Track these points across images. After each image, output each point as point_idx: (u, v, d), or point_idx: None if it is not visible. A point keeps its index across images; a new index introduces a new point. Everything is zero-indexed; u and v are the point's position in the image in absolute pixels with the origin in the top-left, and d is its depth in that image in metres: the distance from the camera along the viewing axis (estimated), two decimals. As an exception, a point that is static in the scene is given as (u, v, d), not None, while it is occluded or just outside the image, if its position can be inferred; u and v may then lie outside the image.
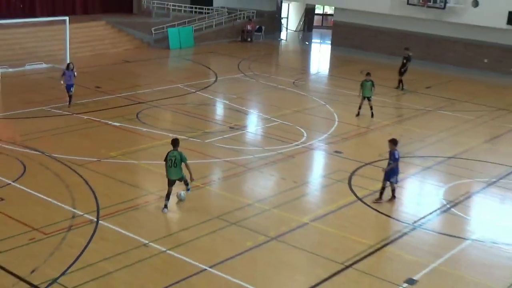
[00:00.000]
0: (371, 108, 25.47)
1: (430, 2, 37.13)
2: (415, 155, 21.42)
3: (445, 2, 36.64)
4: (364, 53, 41.21)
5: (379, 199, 17.09)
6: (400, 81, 31.40)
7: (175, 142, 15.90)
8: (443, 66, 38.18)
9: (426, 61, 38.91)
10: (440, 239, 15.49)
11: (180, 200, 16.44)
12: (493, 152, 22.52)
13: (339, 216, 16.31)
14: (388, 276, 13.40)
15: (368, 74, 25.75)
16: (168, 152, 15.79)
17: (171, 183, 15.91)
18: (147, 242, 14.12)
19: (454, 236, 15.54)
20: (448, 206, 17.23)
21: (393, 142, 17.15)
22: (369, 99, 25.43)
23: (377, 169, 19.09)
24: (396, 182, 17.18)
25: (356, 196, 17.48)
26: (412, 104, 28.65)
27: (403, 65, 31.43)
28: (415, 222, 16.14)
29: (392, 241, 15.05)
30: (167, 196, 15.87)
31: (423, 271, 13.64)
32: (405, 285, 13.07)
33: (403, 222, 16.12)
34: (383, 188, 17.10)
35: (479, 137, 24.07)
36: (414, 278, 13.31)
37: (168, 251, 13.80)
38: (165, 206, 15.83)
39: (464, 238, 15.45)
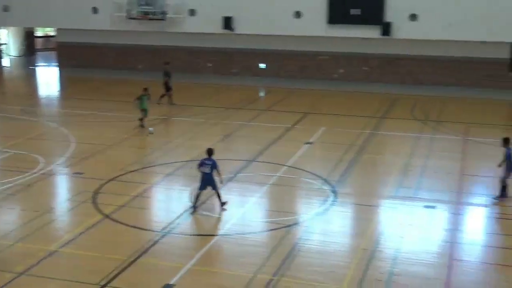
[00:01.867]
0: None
1: (150, 15, 37.93)
2: (156, 164, 21.77)
3: (164, 14, 37.70)
4: (92, 71, 40.87)
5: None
6: (163, 96, 31.33)
7: None
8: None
9: (154, 72, 39.71)
10: (191, 241, 15.93)
11: None
12: (227, 150, 23.78)
13: (88, 237, 15.99)
14: (146, 286, 13.47)
15: (145, 89, 26.56)
16: None
17: None
18: None
19: (203, 235, 16.14)
20: (194, 207, 17.77)
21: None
22: (145, 112, 26.18)
23: (120, 183, 19.10)
24: None
25: (103, 214, 17.28)
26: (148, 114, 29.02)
27: (165, 79, 31.50)
28: (164, 228, 16.41)
29: (145, 252, 15.12)
30: None
31: (178, 274, 13.92)
32: (163, 291, 13.26)
33: (153, 231, 16.29)
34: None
35: (213, 138, 25.20)
36: (171, 283, 13.52)
37: None
38: None
39: (213, 235, 16.08)
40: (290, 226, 16.62)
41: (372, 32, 34.90)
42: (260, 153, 23.06)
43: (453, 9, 33.55)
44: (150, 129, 25.03)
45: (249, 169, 21.30)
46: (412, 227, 16.74)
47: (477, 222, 17.60)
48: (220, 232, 16.32)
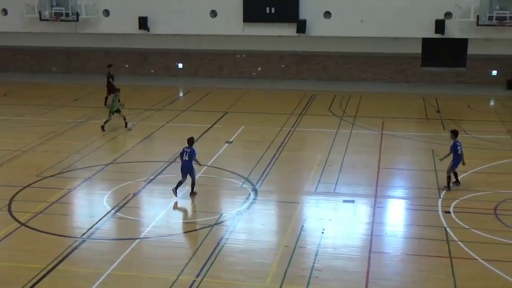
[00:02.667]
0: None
1: (63, 16, 36.98)
2: (74, 169, 21.29)
3: (78, 15, 36.87)
4: (7, 74, 39.62)
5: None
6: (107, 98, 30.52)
7: None
8: (86, 76, 38.52)
9: (70, 74, 38.91)
10: (111, 245, 15.66)
11: None
12: (147, 152, 23.52)
13: (4, 246, 15.48)
14: (66, 295, 13.17)
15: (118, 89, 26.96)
16: None
17: None
18: None
19: (124, 239, 15.87)
20: (113, 211, 17.49)
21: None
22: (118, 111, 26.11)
23: (37, 190, 18.59)
24: None
25: (19, 222, 16.75)
26: (63, 118, 28.35)
27: (109, 82, 30.66)
28: (83, 234, 16.06)
29: (64, 258, 14.74)
30: None
31: (98, 280, 13.65)
32: (83, 298, 12.98)
33: (72, 237, 15.92)
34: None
35: (132, 140, 24.85)
36: (91, 289, 13.29)
37: None
38: None
39: (134, 239, 15.85)
40: (213, 226, 16.58)
41: (287, 30, 35.24)
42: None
43: (365, 6, 34.25)
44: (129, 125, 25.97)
45: (170, 170, 21.11)
46: (332, 222, 17.01)
47: (395, 214, 18.04)
48: (141, 235, 16.10)
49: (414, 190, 19.47)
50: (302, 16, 34.91)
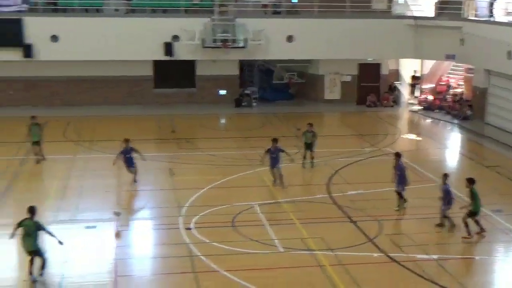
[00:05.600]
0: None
1: None
2: None
3: None
4: None
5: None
6: None
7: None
8: None
9: None
10: None
11: None
12: None
13: None
14: None
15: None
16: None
17: None
18: None
19: None
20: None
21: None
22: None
23: None
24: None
25: None
26: None
27: None
28: None
29: None
30: None
31: None
32: None
33: None
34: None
35: None
36: None
37: None
38: None
39: None
40: None
41: (13, 55, 33.60)
42: None
43: (93, 30, 33.90)
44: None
45: None
46: (75, 250, 16.55)
47: (139, 235, 18.12)
48: None
49: (156, 210, 19.79)
50: (27, 40, 33.52)
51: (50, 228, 17.26)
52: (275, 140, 21.96)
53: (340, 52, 35.75)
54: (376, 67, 38.19)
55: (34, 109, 34.59)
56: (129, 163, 21.89)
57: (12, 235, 14.91)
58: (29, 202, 19.88)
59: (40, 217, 18.30)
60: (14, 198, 20.57)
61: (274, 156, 21.78)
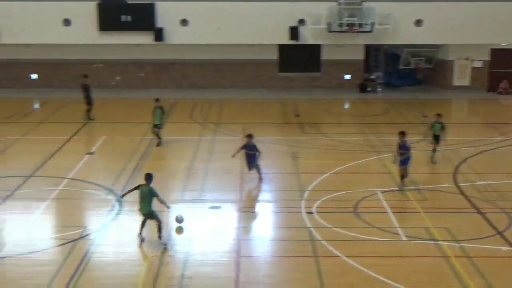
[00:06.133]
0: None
1: None
2: None
3: None
4: None
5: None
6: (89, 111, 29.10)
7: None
8: None
9: None
10: (-33, 268, 14.76)
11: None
12: (2, 167, 22.38)
13: None
14: None
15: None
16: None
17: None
18: None
19: (-19, 260, 15.01)
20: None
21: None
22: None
23: None
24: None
25: None
26: None
27: (87, 93, 28.82)
28: None
29: None
30: None
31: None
32: None
33: None
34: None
35: (-15, 155, 23.61)
36: None
37: None
38: None
39: (-9, 259, 15.02)
40: (77, 240, 16.05)
41: (145, 38, 34.88)
42: (38, 168, 21.99)
43: (222, 14, 34.58)
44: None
45: (28, 185, 20.22)
46: (200, 229, 17.00)
47: (261, 217, 18.33)
48: None
49: (278, 193, 19.90)
50: (158, 24, 34.68)
51: (177, 206, 17.90)
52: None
53: (472, 36, 34.45)
54: (510, 52, 36.43)
55: (164, 91, 35.85)
56: (251, 160, 20.49)
57: (128, 192, 16.37)
58: (157, 180, 20.67)
59: (167, 196, 19.03)
60: (142, 176, 21.32)
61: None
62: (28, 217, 17.69)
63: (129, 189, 16.50)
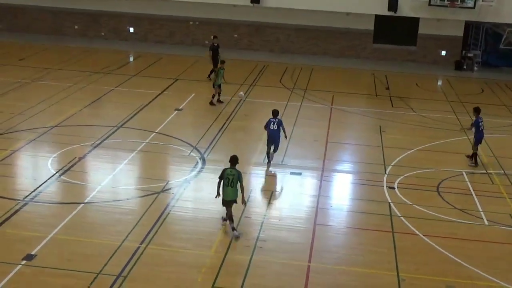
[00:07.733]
0: None
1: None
2: (17, 130, 20.79)
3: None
4: None
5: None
6: (212, 72, 28.55)
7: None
8: (32, 36, 37.45)
9: (15, 32, 37.80)
10: (54, 209, 15.39)
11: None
12: (94, 116, 23.12)
13: None
14: (6, 257, 12.89)
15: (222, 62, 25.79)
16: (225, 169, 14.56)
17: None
18: None
19: (67, 203, 15.63)
20: (57, 174, 17.20)
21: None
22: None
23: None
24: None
25: (-41, 182, 16.34)
26: (7, 77, 27.57)
27: (214, 54, 28.98)
28: (26, 197, 15.75)
29: (5, 221, 14.46)
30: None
31: (40, 244, 13.44)
32: (24, 262, 12.74)
33: (15, 199, 15.61)
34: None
35: (79, 103, 24.36)
36: (32, 253, 13.05)
37: None
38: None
39: (77, 203, 15.62)
40: (159, 193, 16.48)
41: (241, 0, 34.95)
42: (128, 119, 22.60)
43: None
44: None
45: (117, 135, 20.84)
46: (279, 193, 17.09)
47: (341, 188, 18.24)
48: (86, 200, 15.88)
49: (360, 165, 19.70)
50: (257, -14, 34.63)
51: (256, 169, 18.04)
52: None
53: None
54: None
55: (256, 53, 35.91)
56: None
57: (218, 188, 14.75)
58: (241, 142, 20.88)
59: (249, 159, 19.19)
60: (227, 136, 21.61)
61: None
62: (115, 166, 18.26)
63: (217, 182, 14.76)
